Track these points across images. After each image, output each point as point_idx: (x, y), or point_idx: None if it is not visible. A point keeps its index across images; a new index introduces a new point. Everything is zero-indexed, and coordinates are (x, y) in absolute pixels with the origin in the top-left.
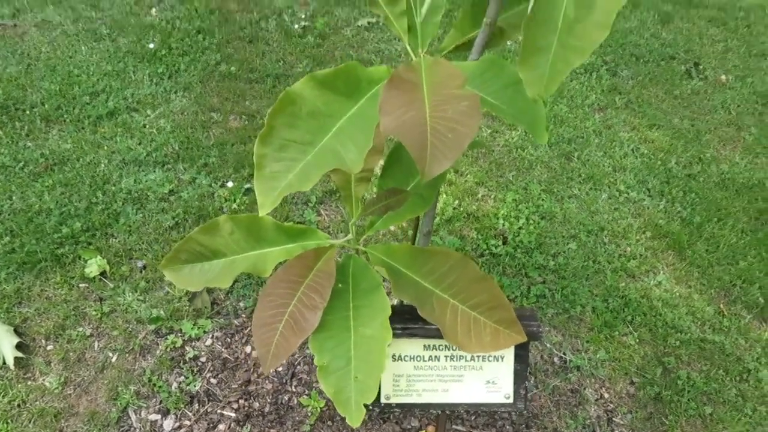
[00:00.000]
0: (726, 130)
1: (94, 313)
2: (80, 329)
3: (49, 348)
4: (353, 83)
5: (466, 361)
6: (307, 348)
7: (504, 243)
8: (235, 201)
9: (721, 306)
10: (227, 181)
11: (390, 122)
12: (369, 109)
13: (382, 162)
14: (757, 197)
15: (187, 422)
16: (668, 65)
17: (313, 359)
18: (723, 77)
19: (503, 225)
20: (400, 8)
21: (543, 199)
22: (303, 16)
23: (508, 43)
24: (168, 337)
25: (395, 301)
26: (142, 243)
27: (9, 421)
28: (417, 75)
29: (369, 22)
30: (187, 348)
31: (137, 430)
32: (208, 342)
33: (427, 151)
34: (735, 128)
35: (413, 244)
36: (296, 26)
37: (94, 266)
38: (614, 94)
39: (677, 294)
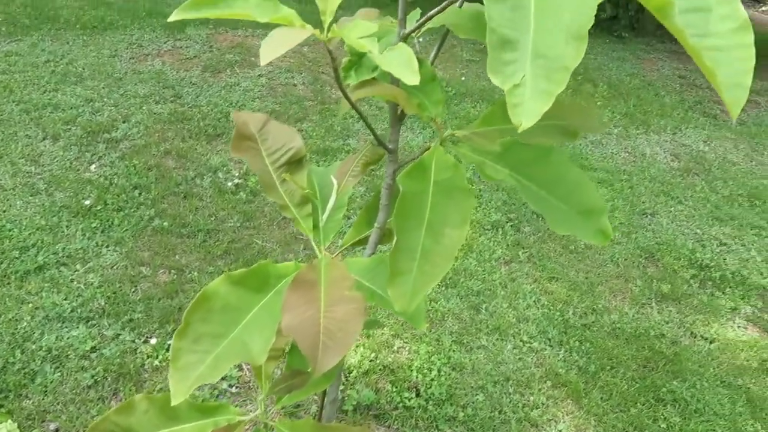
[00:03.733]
0: (615, 282)
1: None
2: None
3: None
4: (263, 279)
5: None
6: None
7: (417, 395)
8: (157, 357)
9: None
10: (151, 337)
11: (290, 320)
12: (275, 302)
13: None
14: (644, 346)
15: None
16: None
17: None
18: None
19: (417, 377)
20: (306, 211)
21: (454, 350)
22: (236, 174)
23: None
24: None
25: None
26: (58, 404)
27: None
28: (316, 275)
29: None
30: None
31: None
32: None
33: (319, 350)
34: (623, 280)
35: (322, 409)
36: (229, 183)
37: (2, 431)
38: (518, 249)
39: None
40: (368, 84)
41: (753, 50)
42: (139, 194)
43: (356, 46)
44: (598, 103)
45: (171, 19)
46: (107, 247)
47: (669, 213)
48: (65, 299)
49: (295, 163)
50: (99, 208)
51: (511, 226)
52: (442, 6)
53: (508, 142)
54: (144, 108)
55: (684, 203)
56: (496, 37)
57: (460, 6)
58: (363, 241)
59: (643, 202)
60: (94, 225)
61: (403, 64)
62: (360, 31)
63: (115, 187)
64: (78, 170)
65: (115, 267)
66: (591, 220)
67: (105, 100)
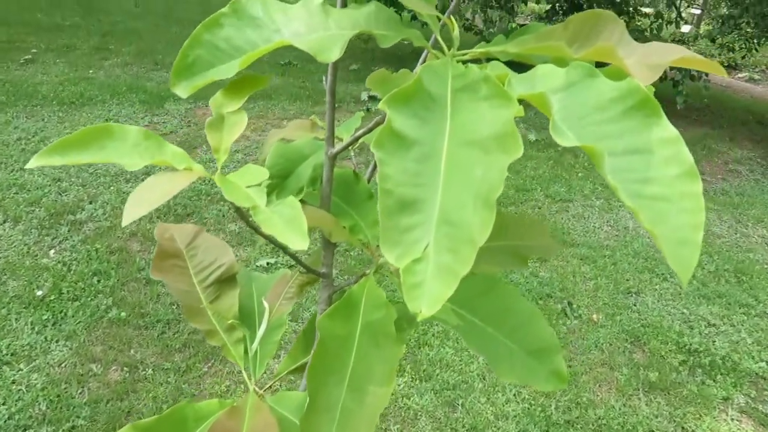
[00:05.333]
0: (600, 371)
1: None
2: None
3: None
4: (179, 425)
5: None
6: None
7: None
8: None
9: None
10: None
11: None
12: None
13: None
14: None
15: None
16: (546, 304)
17: None
18: (594, 316)
19: None
20: (237, 336)
21: None
22: None
23: None
24: None
25: None
26: None
27: None
28: (239, 420)
29: (268, 263)
30: None
31: None
32: None
33: None
34: (608, 368)
35: None
36: None
37: None
38: None
39: None
40: None
41: (702, 201)
42: (98, 281)
43: (238, 202)
44: (579, 174)
45: (29, 166)
46: (57, 342)
47: (654, 291)
48: (3, 404)
49: (226, 281)
50: (53, 298)
51: None
52: (369, 127)
53: None
54: (113, 187)
55: (669, 280)
56: (394, 199)
57: None
58: (301, 369)
59: (627, 280)
60: (45, 317)
61: (288, 224)
62: (250, 177)
63: (73, 274)
64: (36, 256)
65: (63, 365)
66: (543, 360)
67: (73, 179)
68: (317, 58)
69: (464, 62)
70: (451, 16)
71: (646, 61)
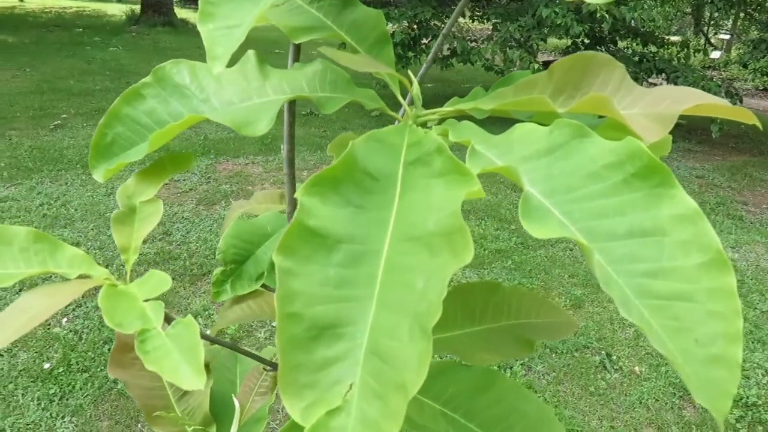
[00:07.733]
0: None
1: None
2: None
3: None
4: None
5: None
6: None
7: None
8: None
9: None
10: None
11: None
12: None
13: None
14: None
15: None
16: (582, 356)
17: None
18: (636, 368)
19: None
20: None
21: None
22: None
23: None
24: None
25: None
26: None
27: None
28: None
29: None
30: None
31: None
32: None
33: None
34: (656, 428)
35: None
36: (208, 331)
37: None
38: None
39: None
40: (250, 298)
41: (738, 301)
42: (109, 350)
43: (124, 327)
44: None
45: None
46: (63, 418)
47: None
48: None
49: None
50: (61, 370)
51: (522, 364)
52: None
53: (440, 364)
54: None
55: None
56: (305, 325)
57: None
58: None
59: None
60: (52, 391)
61: (183, 354)
62: (151, 287)
63: (84, 344)
64: (48, 325)
65: None
66: None
67: (90, 243)
68: (240, 132)
69: (428, 123)
70: (409, 71)
71: (653, 112)
